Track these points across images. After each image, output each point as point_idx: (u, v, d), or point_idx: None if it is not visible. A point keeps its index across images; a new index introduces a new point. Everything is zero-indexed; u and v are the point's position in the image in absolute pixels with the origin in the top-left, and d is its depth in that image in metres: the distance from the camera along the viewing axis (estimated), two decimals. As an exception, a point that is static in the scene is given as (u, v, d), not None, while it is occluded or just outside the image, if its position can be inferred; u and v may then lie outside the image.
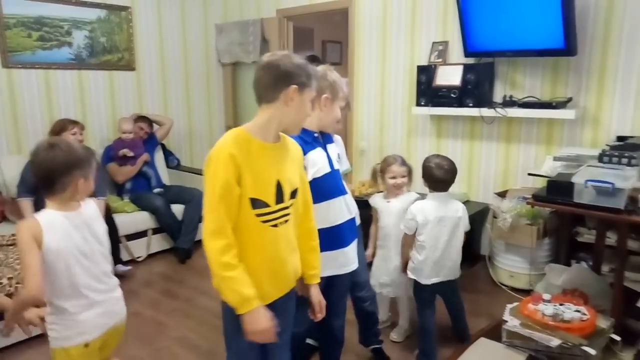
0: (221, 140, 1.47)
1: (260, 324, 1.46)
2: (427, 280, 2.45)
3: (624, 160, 2.55)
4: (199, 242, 3.02)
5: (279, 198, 1.52)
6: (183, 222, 3.93)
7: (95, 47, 4.22)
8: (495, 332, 2.65)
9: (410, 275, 2.49)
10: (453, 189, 3.82)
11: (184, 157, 4.97)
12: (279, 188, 1.52)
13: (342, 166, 2.16)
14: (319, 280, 1.74)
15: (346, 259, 1.99)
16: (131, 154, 3.99)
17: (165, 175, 4.44)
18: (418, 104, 3.65)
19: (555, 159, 2.94)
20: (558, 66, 3.23)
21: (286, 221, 1.54)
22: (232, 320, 1.51)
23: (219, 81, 5.26)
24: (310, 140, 1.90)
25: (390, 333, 2.70)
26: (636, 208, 2.26)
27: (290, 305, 1.71)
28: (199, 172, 4.41)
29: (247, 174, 1.44)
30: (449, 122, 3.77)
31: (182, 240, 3.90)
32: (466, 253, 3.67)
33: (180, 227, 3.93)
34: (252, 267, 1.48)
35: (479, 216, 3.60)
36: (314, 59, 5.07)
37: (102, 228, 1.77)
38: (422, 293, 2.50)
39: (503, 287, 3.28)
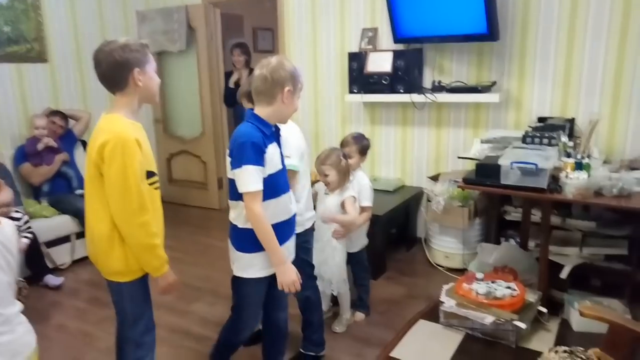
0: (119, 128, 1.62)
1: (172, 277, 1.81)
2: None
3: (545, 141, 2.67)
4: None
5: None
6: None
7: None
8: (433, 313, 2.72)
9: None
10: (388, 174, 3.91)
11: (109, 153, 4.67)
12: None
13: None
14: None
15: (288, 252, 1.97)
16: (54, 144, 3.68)
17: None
18: (351, 92, 3.64)
19: (483, 141, 3.03)
20: (482, 51, 3.33)
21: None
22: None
23: (144, 72, 4.97)
24: (269, 134, 1.83)
25: (332, 324, 2.68)
26: (557, 186, 2.38)
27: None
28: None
29: (142, 151, 1.65)
30: (381, 108, 3.80)
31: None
32: (403, 236, 3.76)
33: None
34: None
35: (414, 200, 3.67)
36: (240, 46, 4.92)
37: (16, 255, 1.58)
38: None
39: (439, 267, 3.37)
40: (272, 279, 1.95)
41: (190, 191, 5.02)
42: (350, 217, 2.49)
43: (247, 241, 1.86)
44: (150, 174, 1.70)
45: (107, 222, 1.66)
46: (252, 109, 1.87)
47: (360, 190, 2.69)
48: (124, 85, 1.65)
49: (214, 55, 4.60)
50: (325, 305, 2.76)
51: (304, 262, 2.30)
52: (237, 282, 1.97)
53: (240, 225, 1.87)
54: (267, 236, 1.79)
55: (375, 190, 3.61)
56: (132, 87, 1.66)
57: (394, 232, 3.79)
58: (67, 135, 3.94)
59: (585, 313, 1.50)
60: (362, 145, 2.72)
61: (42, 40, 4.09)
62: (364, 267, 2.82)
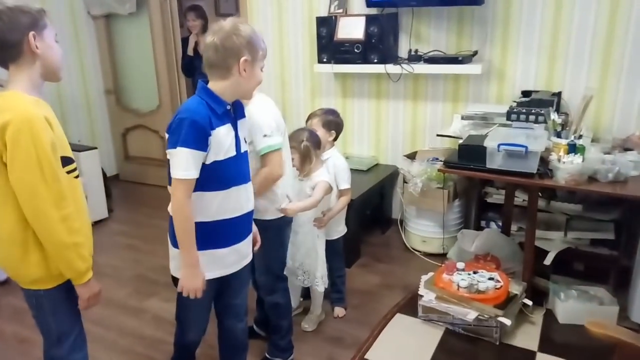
0: (21, 105, 1.32)
1: (96, 286, 1.51)
2: None
3: (532, 118, 2.44)
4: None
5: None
6: None
7: None
8: (410, 306, 2.52)
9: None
10: (362, 151, 3.64)
11: (54, 129, 4.23)
12: None
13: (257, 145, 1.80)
14: None
15: (240, 255, 1.69)
16: None
17: None
18: (320, 61, 3.30)
19: (463, 117, 2.79)
20: (463, 17, 3.03)
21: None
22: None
23: (91, 38, 4.49)
24: (222, 112, 1.52)
25: (302, 322, 2.45)
26: (547, 170, 2.16)
27: None
28: (76, 149, 3.75)
29: (55, 133, 1.39)
30: (354, 80, 3.48)
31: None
32: (378, 218, 3.53)
33: None
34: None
35: (389, 180, 3.43)
36: (194, 9, 4.43)
37: None
38: None
39: (416, 252, 3.17)
40: (221, 283, 1.69)
41: (148, 169, 4.63)
42: (307, 201, 2.14)
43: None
44: (66, 161, 1.44)
45: (17, 220, 1.36)
46: (205, 81, 1.56)
47: (336, 172, 2.42)
48: (17, 54, 1.36)
49: (168, 18, 4.14)
50: (295, 301, 2.53)
51: (272, 258, 2.04)
52: (176, 283, 1.69)
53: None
54: (185, 233, 1.53)
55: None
56: (28, 57, 1.37)
57: (368, 213, 3.55)
58: None
59: (593, 331, 1.29)
60: (326, 119, 2.42)
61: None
62: (340, 256, 2.58)
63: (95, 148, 3.85)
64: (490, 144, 2.13)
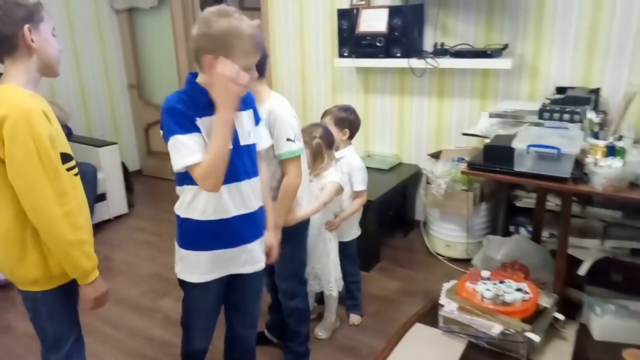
0: (17, 99, 1.26)
1: (103, 286, 1.44)
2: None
3: (566, 116, 2.25)
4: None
5: None
6: None
7: None
8: (431, 315, 2.38)
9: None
10: (384, 150, 3.49)
11: (78, 125, 4.24)
12: None
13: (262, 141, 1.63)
14: None
15: (248, 256, 1.58)
16: None
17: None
18: (341, 55, 3.17)
19: (492, 115, 2.60)
20: (493, 8, 2.84)
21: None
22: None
23: (115, 31, 4.47)
24: (205, 103, 1.39)
25: (315, 329, 2.34)
26: (582, 174, 1.97)
27: None
28: (96, 144, 3.74)
29: (53, 128, 1.33)
30: (376, 75, 3.34)
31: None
32: (400, 220, 3.39)
33: None
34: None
35: (412, 180, 3.27)
36: (217, 1, 4.37)
37: None
38: None
39: (439, 257, 3.01)
40: (227, 286, 1.61)
41: (170, 164, 4.59)
42: (314, 205, 1.99)
43: (191, 235, 1.52)
44: (65, 158, 1.37)
45: (13, 219, 1.31)
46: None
47: (351, 172, 2.29)
48: (12, 48, 1.30)
49: (189, 12, 4.08)
50: (310, 306, 2.43)
51: (297, 262, 1.95)
52: (182, 285, 1.62)
53: (182, 215, 1.52)
54: None
55: (369, 168, 3.21)
56: (24, 51, 1.31)
57: (390, 214, 3.41)
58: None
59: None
60: (339, 117, 2.29)
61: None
62: (354, 260, 2.46)
63: (115, 143, 3.83)
64: (518, 144, 1.96)
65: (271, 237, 1.68)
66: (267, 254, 1.67)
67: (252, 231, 1.59)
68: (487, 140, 2.28)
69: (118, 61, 4.52)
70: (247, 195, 1.52)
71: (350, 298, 2.46)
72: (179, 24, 4.11)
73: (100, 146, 3.68)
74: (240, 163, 1.49)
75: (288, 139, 1.68)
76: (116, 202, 3.81)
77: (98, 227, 3.54)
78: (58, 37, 1.43)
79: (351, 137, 2.36)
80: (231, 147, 1.40)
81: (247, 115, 1.53)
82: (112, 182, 3.75)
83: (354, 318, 2.45)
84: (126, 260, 3.17)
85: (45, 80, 3.89)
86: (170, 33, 4.20)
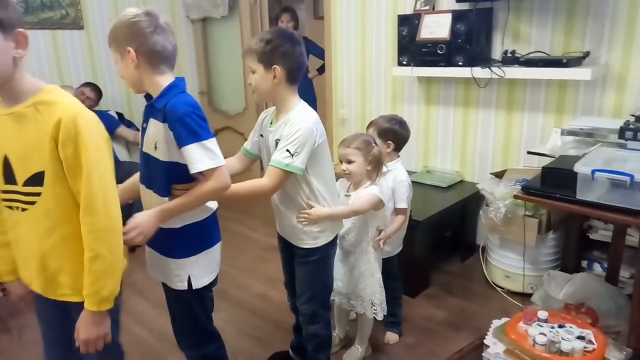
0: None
1: (107, 325, 1.32)
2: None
3: (653, 137, 1.88)
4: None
5: (9, 178, 1.24)
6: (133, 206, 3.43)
7: (31, 3, 3.65)
8: (475, 354, 2.09)
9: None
10: (445, 166, 3.23)
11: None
12: (8, 166, 1.23)
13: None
14: (85, 307, 1.26)
15: None
16: None
17: (122, 150, 3.94)
18: (399, 64, 2.98)
19: (564, 132, 2.28)
20: (574, 10, 2.50)
21: (24, 209, 1.25)
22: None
23: (189, 40, 4.65)
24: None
25: (343, 355, 2.16)
26: (666, 207, 1.62)
27: (53, 316, 1.40)
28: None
29: None
30: (439, 85, 3.10)
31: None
32: (457, 243, 3.10)
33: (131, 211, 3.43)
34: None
35: (473, 200, 2.97)
36: (288, 10, 4.34)
37: None
38: None
39: (498, 289, 2.69)
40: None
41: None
42: (343, 208, 1.84)
43: (206, 233, 1.56)
44: None
45: (73, 226, 1.24)
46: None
47: (395, 187, 2.11)
48: None
49: (257, 21, 4.11)
50: (342, 330, 2.27)
51: (319, 284, 1.83)
52: (186, 298, 1.56)
53: (190, 221, 1.51)
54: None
55: (426, 185, 3.02)
56: None
57: (447, 236, 3.14)
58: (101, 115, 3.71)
59: None
60: (382, 128, 2.12)
61: (77, 5, 3.86)
62: (394, 276, 2.27)
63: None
64: (582, 168, 1.66)
65: (145, 215, 1.40)
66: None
67: None
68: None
69: (191, 69, 4.68)
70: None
71: (389, 315, 2.27)
72: (246, 33, 4.15)
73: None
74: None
75: (287, 150, 1.55)
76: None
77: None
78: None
79: (397, 149, 2.18)
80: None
81: (154, 125, 1.43)
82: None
83: (391, 336, 2.27)
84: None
85: (123, 88, 4.15)
86: (238, 42, 4.26)
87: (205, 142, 1.35)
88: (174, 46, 1.44)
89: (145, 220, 1.38)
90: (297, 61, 1.61)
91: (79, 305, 1.26)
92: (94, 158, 1.19)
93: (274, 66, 1.58)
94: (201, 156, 1.34)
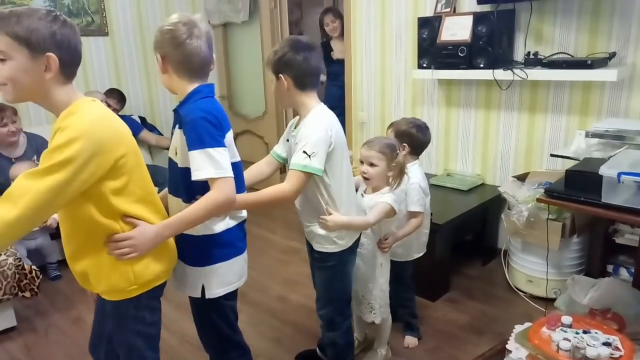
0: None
1: None
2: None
3: (683, 139, 1.84)
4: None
5: None
6: None
7: (58, 10, 3.75)
8: (497, 359, 2.07)
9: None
10: (466, 169, 3.20)
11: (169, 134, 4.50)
12: None
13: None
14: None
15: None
16: None
17: (145, 154, 4.01)
18: (420, 66, 2.97)
19: (589, 135, 2.23)
20: (599, 10, 2.46)
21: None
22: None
23: (211, 45, 4.71)
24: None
25: (364, 359, 2.16)
26: (696, 211, 1.57)
27: (98, 308, 1.56)
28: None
29: None
30: (460, 87, 3.07)
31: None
32: (478, 247, 3.06)
33: None
34: None
35: (494, 203, 2.94)
36: (331, 10, 4.37)
37: None
38: None
39: (520, 293, 2.65)
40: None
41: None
42: (358, 220, 1.79)
43: (232, 241, 1.56)
44: None
45: (85, 236, 1.31)
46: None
47: (407, 190, 2.08)
48: None
49: (277, 27, 4.14)
50: (361, 333, 2.26)
51: (336, 290, 1.82)
52: (204, 306, 1.58)
53: (215, 231, 1.51)
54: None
55: (447, 188, 3.00)
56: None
57: (468, 240, 3.11)
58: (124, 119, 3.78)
59: None
60: (399, 130, 2.10)
61: (102, 13, 3.95)
62: (405, 284, 2.24)
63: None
64: (607, 171, 1.62)
65: (145, 228, 1.32)
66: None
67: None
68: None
69: (213, 73, 4.73)
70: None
71: (404, 323, 2.25)
72: (266, 38, 4.19)
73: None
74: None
75: (304, 151, 1.56)
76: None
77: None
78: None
79: (414, 152, 2.16)
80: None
81: (177, 131, 1.45)
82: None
83: (410, 340, 2.27)
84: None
85: (146, 93, 4.22)
86: (258, 47, 4.30)
87: (210, 149, 1.30)
88: (206, 54, 1.43)
89: (142, 233, 1.29)
90: (301, 67, 1.60)
91: (110, 303, 1.40)
92: (56, 169, 1.13)
93: (280, 75, 1.61)
94: (203, 164, 1.30)
